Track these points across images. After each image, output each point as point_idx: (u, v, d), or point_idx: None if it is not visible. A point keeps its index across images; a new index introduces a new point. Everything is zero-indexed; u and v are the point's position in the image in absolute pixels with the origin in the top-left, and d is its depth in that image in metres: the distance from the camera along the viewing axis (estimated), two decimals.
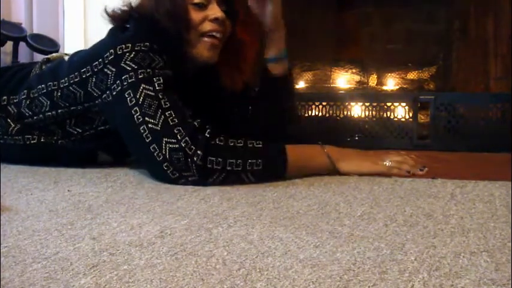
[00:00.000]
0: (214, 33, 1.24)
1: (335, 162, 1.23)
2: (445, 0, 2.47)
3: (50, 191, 1.06)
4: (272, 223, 0.81)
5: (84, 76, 1.24)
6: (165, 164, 1.11)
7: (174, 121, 1.12)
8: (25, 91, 1.33)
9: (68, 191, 1.06)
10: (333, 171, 1.23)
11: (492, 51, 2.30)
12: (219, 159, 1.11)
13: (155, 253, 0.66)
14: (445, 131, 1.88)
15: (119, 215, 0.86)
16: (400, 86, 2.56)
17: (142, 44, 1.18)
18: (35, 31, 2.32)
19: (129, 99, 1.15)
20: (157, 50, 1.19)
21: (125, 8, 1.28)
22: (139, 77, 1.15)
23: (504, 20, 2.21)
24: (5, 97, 1.36)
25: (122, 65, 1.17)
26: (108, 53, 1.19)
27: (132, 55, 1.17)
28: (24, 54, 2.32)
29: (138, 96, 1.14)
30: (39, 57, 2.17)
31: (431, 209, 0.92)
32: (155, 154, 1.11)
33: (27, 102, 1.32)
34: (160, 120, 1.12)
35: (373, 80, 2.61)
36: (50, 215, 0.86)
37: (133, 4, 1.28)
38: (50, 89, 1.29)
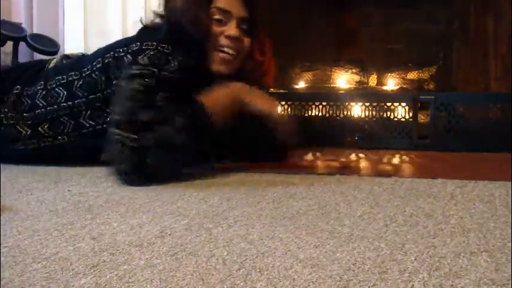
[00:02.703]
0: (226, 49, 1.28)
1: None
2: (445, 0, 2.48)
3: (50, 191, 1.06)
4: (272, 223, 0.81)
5: (106, 61, 1.28)
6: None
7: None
8: (42, 82, 1.35)
9: (68, 191, 1.06)
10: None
11: (492, 51, 2.30)
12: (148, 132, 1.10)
13: (155, 253, 0.66)
14: (445, 131, 1.88)
15: (119, 215, 0.86)
16: (400, 86, 2.56)
17: (166, 46, 1.22)
18: (35, 31, 2.31)
19: (121, 89, 1.18)
20: (177, 55, 1.22)
21: (162, 12, 1.34)
22: (138, 72, 1.17)
23: (504, 20, 2.21)
24: (19, 86, 1.38)
25: (138, 58, 1.20)
26: (134, 45, 1.24)
27: (152, 52, 1.20)
28: (24, 54, 2.31)
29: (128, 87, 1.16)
30: (39, 57, 2.17)
31: (431, 209, 0.92)
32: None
33: (43, 93, 1.34)
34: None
35: (373, 80, 2.62)
36: (50, 215, 0.86)
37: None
38: (70, 79, 1.32)
